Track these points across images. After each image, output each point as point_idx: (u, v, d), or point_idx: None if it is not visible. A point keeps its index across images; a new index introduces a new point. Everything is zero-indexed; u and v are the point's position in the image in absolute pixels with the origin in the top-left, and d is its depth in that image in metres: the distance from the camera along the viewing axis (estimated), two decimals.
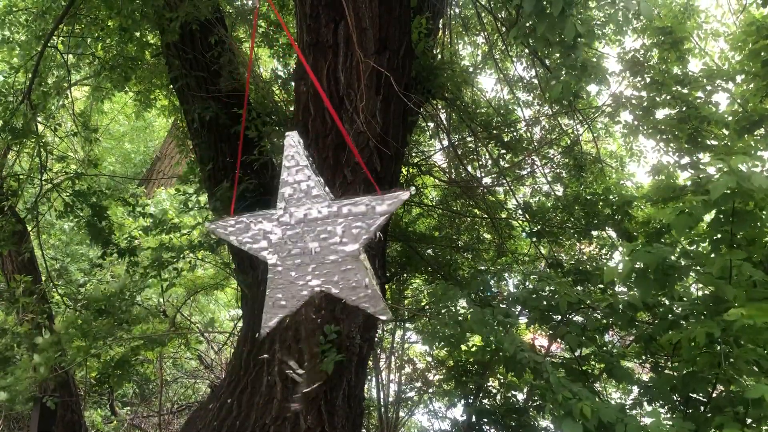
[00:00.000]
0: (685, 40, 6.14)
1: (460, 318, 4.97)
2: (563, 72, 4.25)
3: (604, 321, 4.92)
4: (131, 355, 6.24)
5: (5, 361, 5.10)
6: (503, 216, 7.94)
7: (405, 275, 7.97)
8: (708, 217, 3.85)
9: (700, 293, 4.64)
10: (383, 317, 1.92)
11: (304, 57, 4.51)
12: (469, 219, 8.14)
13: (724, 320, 3.37)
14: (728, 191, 3.42)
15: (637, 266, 3.86)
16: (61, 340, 4.03)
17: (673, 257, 3.93)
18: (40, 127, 6.24)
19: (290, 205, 1.95)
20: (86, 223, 6.28)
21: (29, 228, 6.74)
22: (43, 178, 6.15)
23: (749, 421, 3.71)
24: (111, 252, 6.26)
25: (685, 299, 4.36)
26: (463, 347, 5.68)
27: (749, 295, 3.63)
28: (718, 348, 3.83)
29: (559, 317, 5.23)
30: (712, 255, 3.98)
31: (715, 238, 3.92)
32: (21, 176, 6.33)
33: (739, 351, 3.75)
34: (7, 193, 6.09)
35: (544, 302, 5.09)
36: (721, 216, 3.74)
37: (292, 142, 1.98)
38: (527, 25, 4.26)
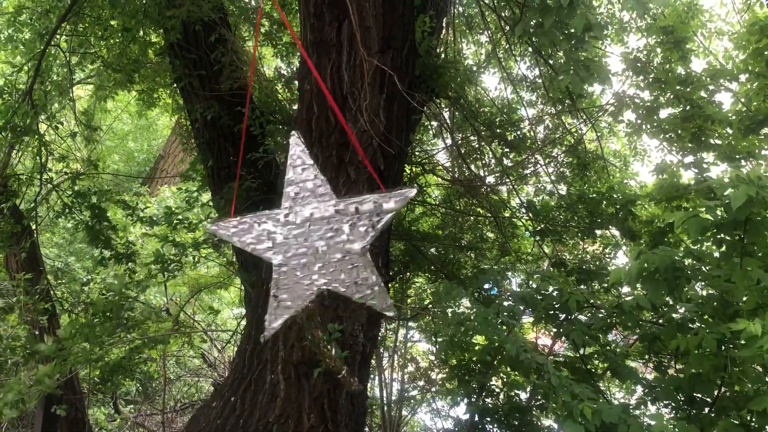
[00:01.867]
0: (688, 39, 6.13)
1: (463, 317, 4.97)
2: (571, 67, 4.22)
3: (609, 320, 4.92)
4: (134, 354, 6.25)
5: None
6: (506, 215, 7.93)
7: (408, 274, 7.97)
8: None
9: (704, 293, 4.63)
10: (389, 314, 1.91)
11: (307, 56, 4.50)
12: (472, 218, 8.14)
13: (731, 328, 3.37)
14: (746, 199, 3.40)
15: (645, 268, 3.85)
16: (65, 348, 4.03)
17: (678, 258, 3.92)
18: (42, 127, 6.26)
19: (296, 205, 1.94)
20: (85, 226, 6.30)
21: (33, 226, 6.75)
22: (43, 178, 6.16)
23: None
24: (109, 257, 6.28)
25: (691, 300, 4.35)
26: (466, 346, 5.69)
27: (759, 300, 3.63)
28: (725, 351, 3.83)
29: (563, 316, 5.23)
30: (718, 259, 3.97)
31: (724, 242, 3.92)
32: (22, 176, 6.34)
33: (742, 355, 3.74)
34: (7, 193, 6.10)
35: (549, 301, 5.09)
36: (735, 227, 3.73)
37: (298, 140, 1.97)
38: (532, 22, 4.25)
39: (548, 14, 3.86)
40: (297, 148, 1.97)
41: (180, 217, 6.12)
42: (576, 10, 3.72)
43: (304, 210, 1.94)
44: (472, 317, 4.74)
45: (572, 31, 3.96)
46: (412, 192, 1.88)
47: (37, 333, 6.16)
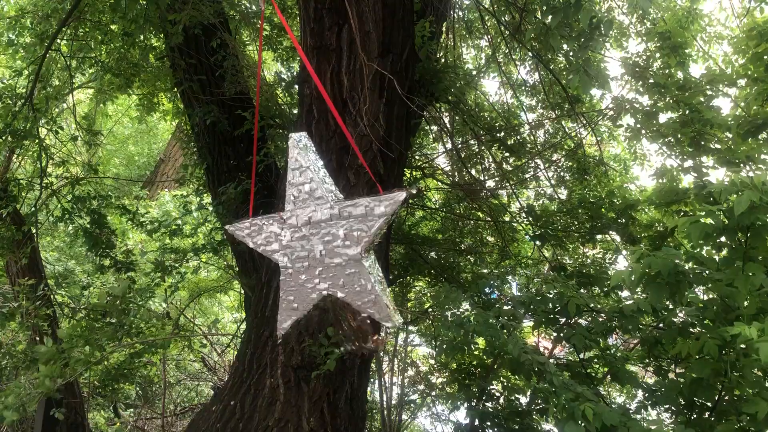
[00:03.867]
0: (687, 44, 6.14)
1: (464, 317, 4.97)
2: (581, 65, 4.22)
3: (609, 324, 4.91)
4: (134, 358, 6.25)
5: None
6: (506, 219, 7.94)
7: (408, 278, 7.97)
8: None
9: (705, 297, 4.63)
10: (387, 324, 1.89)
11: (307, 60, 4.52)
12: (472, 222, 8.14)
13: (730, 333, 3.37)
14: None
15: (647, 271, 3.85)
16: (65, 351, 4.03)
17: (679, 261, 3.92)
18: (42, 131, 6.26)
19: (297, 208, 1.96)
20: (84, 232, 6.30)
21: (33, 230, 6.75)
22: (42, 183, 6.16)
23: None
24: (109, 265, 6.28)
25: (691, 304, 4.35)
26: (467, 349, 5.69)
27: (760, 305, 3.63)
28: (725, 356, 3.83)
29: (564, 320, 5.23)
30: (718, 264, 3.97)
31: (725, 246, 3.92)
32: (21, 181, 6.35)
33: (746, 360, 3.74)
34: (8, 198, 6.11)
35: (549, 305, 5.09)
36: (738, 232, 3.73)
37: (297, 143, 1.98)
38: (541, 24, 4.25)
39: (555, 14, 3.87)
40: (295, 149, 1.97)
41: (179, 222, 6.12)
42: (582, 8, 3.74)
43: (303, 213, 1.94)
44: (472, 318, 4.73)
45: (577, 31, 3.97)
46: (403, 195, 1.85)
47: (38, 339, 6.16)
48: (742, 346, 3.64)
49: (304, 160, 1.96)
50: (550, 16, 4.05)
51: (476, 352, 6.21)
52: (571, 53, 6.47)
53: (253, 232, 2.02)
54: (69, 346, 4.01)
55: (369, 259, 1.93)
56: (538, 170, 7.85)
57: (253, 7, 6.63)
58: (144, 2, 5.44)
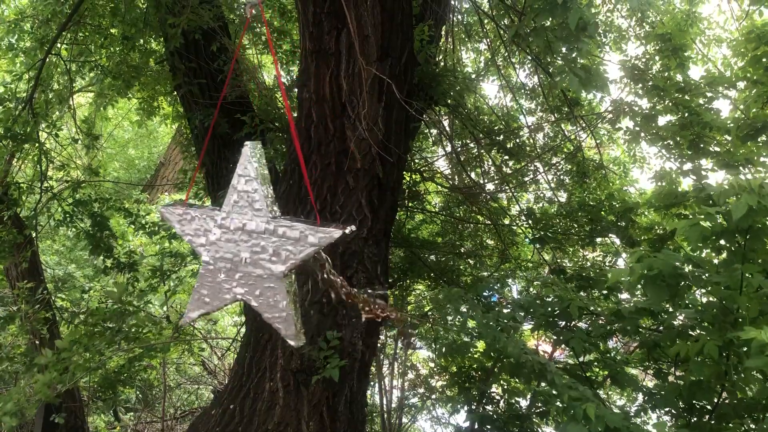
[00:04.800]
0: (686, 47, 6.15)
1: (463, 322, 4.97)
2: (569, 68, 4.22)
3: (608, 327, 4.91)
4: (134, 362, 6.24)
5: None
6: (506, 222, 7.94)
7: (408, 281, 7.96)
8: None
9: (704, 299, 4.63)
10: (292, 342, 1.94)
11: (306, 64, 4.53)
12: (471, 225, 8.14)
13: (739, 336, 3.36)
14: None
15: (647, 272, 3.84)
16: (64, 359, 4.03)
17: (679, 263, 3.92)
18: (42, 135, 6.27)
19: (233, 212, 2.00)
20: (86, 235, 6.31)
21: (33, 234, 6.75)
22: (43, 186, 6.17)
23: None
24: (112, 266, 6.29)
25: (690, 306, 4.34)
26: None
27: (760, 308, 3.62)
28: (726, 359, 3.82)
29: (563, 323, 5.22)
30: (717, 266, 3.97)
31: (724, 249, 3.92)
32: (22, 184, 6.36)
33: (747, 363, 3.73)
34: (8, 202, 6.11)
35: (549, 308, 5.09)
36: (737, 234, 3.73)
37: (250, 151, 2.02)
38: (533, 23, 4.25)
39: (543, 14, 3.88)
40: (246, 157, 2.02)
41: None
42: (570, 9, 3.74)
43: (238, 219, 1.99)
44: (470, 322, 4.73)
45: (566, 33, 3.97)
46: (338, 233, 1.89)
47: (37, 342, 6.16)
48: (744, 348, 3.63)
49: (252, 170, 2.00)
50: (534, 18, 4.06)
51: (476, 355, 6.20)
52: (562, 55, 6.48)
53: (184, 220, 2.05)
54: (68, 355, 4.01)
55: (290, 278, 1.99)
56: (538, 173, 7.85)
57: (252, 11, 6.64)
58: (143, 6, 5.46)
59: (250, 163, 2.01)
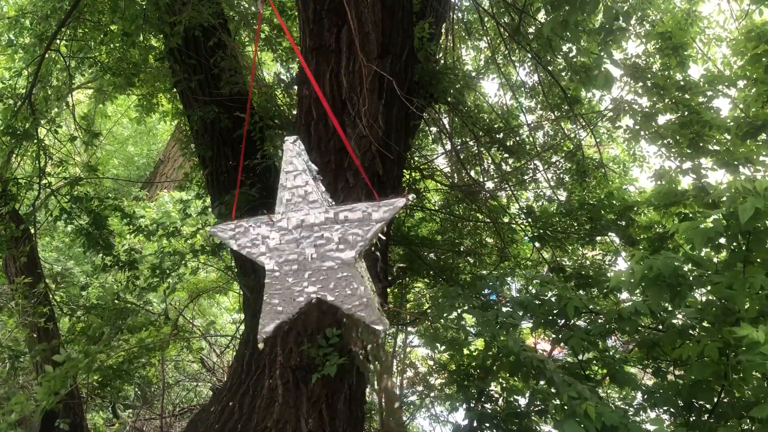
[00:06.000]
0: (686, 45, 6.15)
1: (463, 322, 4.96)
2: (605, 60, 4.19)
3: (608, 326, 4.91)
4: (132, 360, 6.24)
5: None
6: (506, 220, 7.94)
7: (407, 279, 7.96)
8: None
9: (704, 299, 4.63)
10: (378, 327, 1.86)
11: (306, 61, 4.52)
12: (471, 223, 8.14)
13: (734, 333, 3.36)
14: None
15: (647, 273, 3.84)
16: (68, 373, 4.02)
17: (679, 264, 3.92)
18: (41, 131, 6.26)
19: (288, 210, 1.94)
20: (84, 232, 6.29)
21: (31, 230, 6.75)
22: (41, 183, 6.16)
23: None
24: (112, 263, 6.27)
25: (690, 306, 4.34)
26: (465, 350, 5.68)
27: (761, 308, 3.62)
28: (726, 359, 3.82)
29: (562, 322, 5.22)
30: (717, 266, 3.97)
31: (725, 249, 3.92)
32: (21, 180, 6.34)
33: (746, 364, 3.73)
34: (6, 198, 6.10)
35: (548, 307, 5.08)
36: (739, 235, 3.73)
37: (291, 146, 1.96)
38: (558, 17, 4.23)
39: (557, 8, 3.86)
40: (290, 153, 1.96)
41: (177, 224, 6.11)
42: (598, 3, 3.71)
43: (295, 216, 1.92)
44: (469, 320, 4.73)
45: (590, 28, 3.95)
46: (402, 201, 1.84)
47: (35, 336, 6.16)
48: (743, 348, 3.63)
49: (299, 164, 1.94)
50: (545, 10, 4.06)
51: (475, 353, 6.20)
52: (570, 54, 6.46)
53: (238, 234, 2.00)
54: (69, 366, 4.00)
55: (361, 263, 1.91)
56: (538, 172, 7.85)
57: (252, 8, 6.63)
58: (143, 3, 5.44)
59: (296, 157, 1.95)
